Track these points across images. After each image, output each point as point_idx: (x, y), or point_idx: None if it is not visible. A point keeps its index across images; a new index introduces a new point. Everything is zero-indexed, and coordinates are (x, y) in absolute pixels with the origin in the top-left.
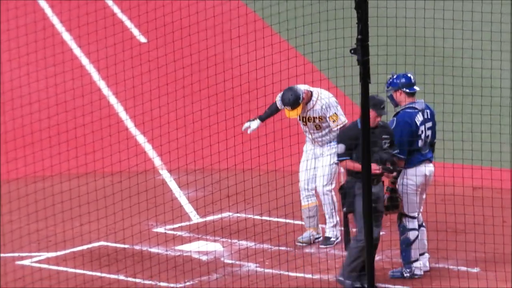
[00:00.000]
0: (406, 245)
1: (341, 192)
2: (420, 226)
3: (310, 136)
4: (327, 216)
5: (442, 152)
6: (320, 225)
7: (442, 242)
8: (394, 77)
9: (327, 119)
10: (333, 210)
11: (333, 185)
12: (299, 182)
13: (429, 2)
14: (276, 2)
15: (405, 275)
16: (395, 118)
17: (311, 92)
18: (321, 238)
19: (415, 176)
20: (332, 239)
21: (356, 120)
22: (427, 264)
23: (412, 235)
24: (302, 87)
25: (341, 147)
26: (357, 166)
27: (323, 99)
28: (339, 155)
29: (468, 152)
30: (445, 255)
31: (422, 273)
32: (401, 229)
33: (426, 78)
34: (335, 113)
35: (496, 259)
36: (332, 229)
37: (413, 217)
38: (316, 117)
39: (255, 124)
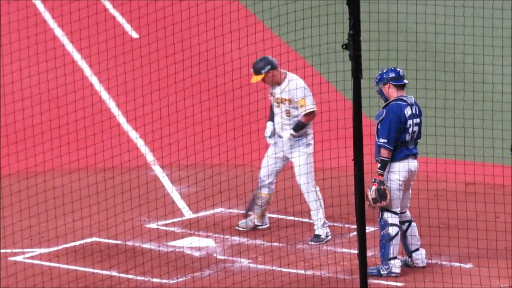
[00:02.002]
0: (386, 241)
1: None
2: (410, 222)
3: (280, 121)
4: (313, 213)
5: (434, 148)
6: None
7: (435, 238)
8: (383, 71)
9: (296, 103)
10: (320, 208)
11: (313, 182)
12: (260, 170)
13: None
14: None
15: (381, 272)
16: (384, 109)
17: (286, 74)
18: (265, 225)
19: (400, 171)
20: (322, 236)
21: None
22: (424, 259)
23: (392, 230)
24: (282, 70)
25: None
26: None
27: (293, 81)
28: None
29: (460, 147)
30: (438, 251)
31: (399, 271)
32: (382, 224)
33: (418, 74)
34: (303, 98)
35: (489, 255)
36: (321, 227)
37: (395, 213)
38: (286, 99)
39: (269, 127)
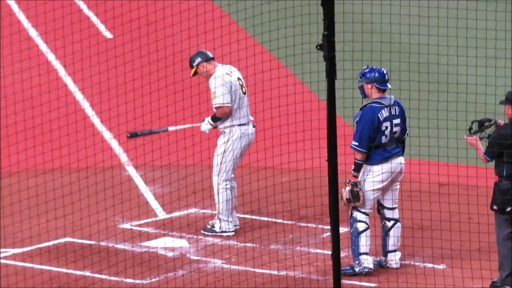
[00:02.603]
0: (355, 237)
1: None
2: (396, 221)
3: None
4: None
5: (408, 149)
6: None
7: (409, 239)
8: (368, 69)
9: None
10: (221, 202)
11: (223, 177)
12: None
13: None
14: None
15: (355, 269)
16: (360, 112)
17: (215, 67)
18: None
19: (375, 174)
20: (215, 228)
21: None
22: (398, 261)
23: (361, 226)
24: (217, 63)
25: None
26: None
27: (215, 73)
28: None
29: (434, 148)
30: (411, 251)
31: (372, 267)
32: (351, 221)
33: (393, 74)
34: (214, 92)
35: (462, 256)
36: (217, 221)
37: (365, 213)
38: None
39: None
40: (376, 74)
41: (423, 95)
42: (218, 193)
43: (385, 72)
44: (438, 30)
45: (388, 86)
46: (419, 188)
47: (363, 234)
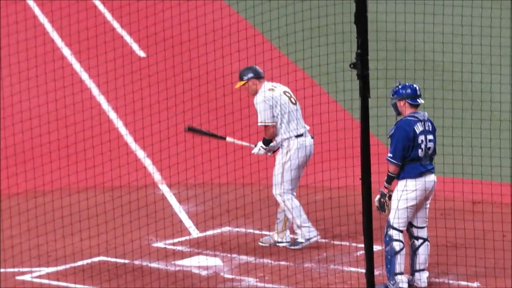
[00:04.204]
0: (391, 256)
1: None
2: (425, 240)
3: None
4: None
5: (442, 167)
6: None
7: (442, 257)
8: (400, 86)
9: None
10: (294, 216)
11: (285, 187)
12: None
13: (429, 16)
14: (275, 16)
15: None
16: (394, 126)
17: (262, 86)
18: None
19: (414, 188)
20: (299, 240)
21: None
22: (426, 280)
23: (397, 245)
24: (267, 82)
25: None
26: None
27: (259, 94)
28: None
29: (468, 166)
30: (445, 269)
31: (407, 286)
32: (386, 240)
33: (426, 92)
34: (256, 107)
35: (496, 273)
36: (298, 231)
37: (400, 230)
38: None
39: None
40: (408, 90)
41: (456, 113)
42: (285, 205)
43: (417, 87)
44: (472, 47)
45: (420, 101)
46: (453, 206)
47: (399, 254)
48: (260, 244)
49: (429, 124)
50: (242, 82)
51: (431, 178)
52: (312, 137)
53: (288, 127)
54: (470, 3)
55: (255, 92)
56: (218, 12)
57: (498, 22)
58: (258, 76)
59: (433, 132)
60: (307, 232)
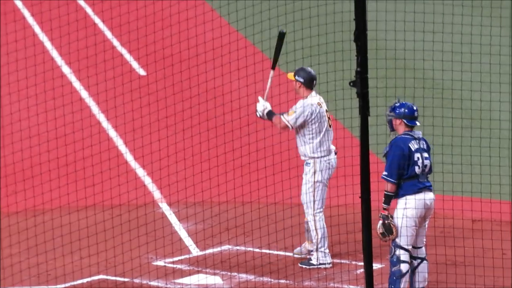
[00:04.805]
0: (396, 277)
1: None
2: (422, 260)
3: None
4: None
5: (441, 185)
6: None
7: (442, 275)
8: (399, 104)
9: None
10: (318, 236)
11: (317, 206)
12: None
13: (428, 34)
14: (275, 34)
15: None
16: (390, 144)
17: (306, 97)
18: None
19: (414, 205)
20: (312, 261)
21: None
22: None
23: (404, 268)
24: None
25: None
26: None
27: (301, 101)
28: None
29: (467, 184)
30: None
31: None
32: (393, 260)
33: (425, 110)
34: (294, 111)
35: None
36: (314, 253)
37: (407, 250)
38: None
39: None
40: (406, 110)
41: (456, 131)
42: (315, 224)
43: (415, 108)
44: (471, 66)
45: (417, 123)
46: (453, 224)
47: (405, 276)
48: (295, 256)
49: (424, 142)
50: (293, 79)
51: (430, 195)
52: (336, 153)
53: (319, 147)
54: (469, 21)
55: (301, 95)
56: (218, 30)
57: (498, 40)
58: (308, 86)
59: (428, 150)
60: (323, 257)
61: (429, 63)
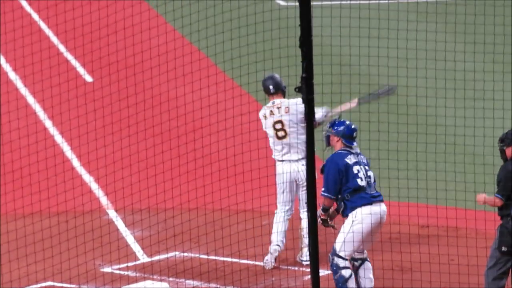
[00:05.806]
0: (342, 284)
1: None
2: (363, 260)
3: None
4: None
5: (387, 191)
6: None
7: (388, 281)
8: (338, 121)
9: None
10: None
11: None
12: None
13: (374, 39)
14: (221, 40)
15: None
16: (326, 160)
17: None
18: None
19: (368, 219)
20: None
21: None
22: None
23: (346, 273)
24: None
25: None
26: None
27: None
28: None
29: (413, 190)
30: None
31: None
32: (334, 268)
33: (372, 116)
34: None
35: None
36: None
37: (344, 258)
38: None
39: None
40: (346, 130)
41: (402, 136)
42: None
43: (356, 129)
44: (417, 71)
45: (354, 144)
46: (399, 230)
47: (350, 279)
48: (300, 261)
49: (362, 157)
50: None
51: (383, 207)
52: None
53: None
54: (415, 27)
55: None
56: (164, 36)
57: (443, 46)
58: (268, 92)
59: (368, 164)
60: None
61: (374, 68)
